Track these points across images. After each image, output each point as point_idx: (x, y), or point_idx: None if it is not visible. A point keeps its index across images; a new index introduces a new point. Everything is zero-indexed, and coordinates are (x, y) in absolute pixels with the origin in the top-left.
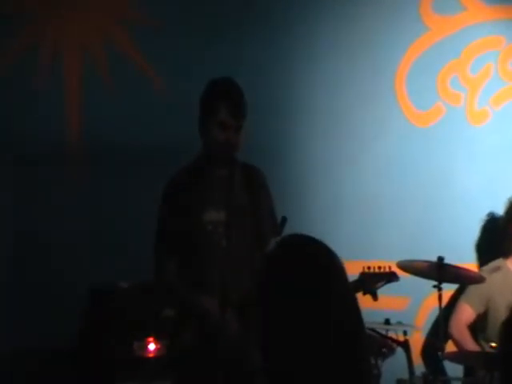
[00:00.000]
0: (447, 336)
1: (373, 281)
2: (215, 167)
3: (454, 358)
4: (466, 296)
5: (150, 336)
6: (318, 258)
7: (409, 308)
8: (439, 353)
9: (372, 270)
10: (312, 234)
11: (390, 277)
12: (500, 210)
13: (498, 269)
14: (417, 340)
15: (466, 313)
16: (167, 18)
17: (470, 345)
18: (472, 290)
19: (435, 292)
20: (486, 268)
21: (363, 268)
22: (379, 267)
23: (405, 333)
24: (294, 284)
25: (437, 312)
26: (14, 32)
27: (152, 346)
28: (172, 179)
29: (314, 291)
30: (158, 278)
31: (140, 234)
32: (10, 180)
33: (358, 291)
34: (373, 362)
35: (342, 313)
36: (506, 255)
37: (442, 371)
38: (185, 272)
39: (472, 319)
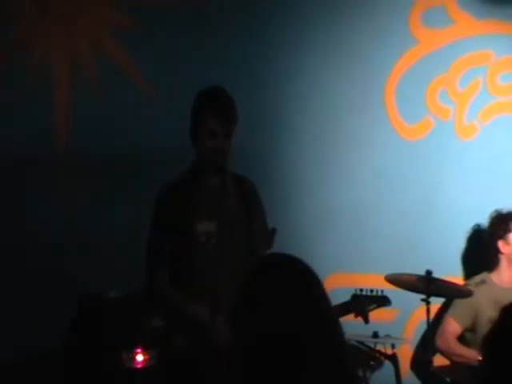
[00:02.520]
0: (435, 349)
1: (364, 303)
2: (207, 177)
3: (441, 371)
4: (452, 310)
5: (138, 347)
6: (297, 276)
7: (397, 320)
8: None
9: (364, 293)
10: (301, 247)
11: (382, 301)
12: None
13: (483, 282)
14: (405, 352)
15: (451, 326)
16: (158, 24)
17: (458, 352)
18: (458, 303)
19: (423, 304)
20: (470, 282)
21: (355, 290)
22: (371, 290)
23: (393, 346)
24: (273, 302)
25: (425, 325)
26: (0, 37)
27: (140, 357)
28: (164, 189)
29: (294, 308)
30: (150, 288)
31: (130, 243)
32: (1, 188)
33: (349, 313)
34: (361, 374)
35: (323, 329)
36: (490, 269)
37: None
38: (177, 282)
39: (458, 332)
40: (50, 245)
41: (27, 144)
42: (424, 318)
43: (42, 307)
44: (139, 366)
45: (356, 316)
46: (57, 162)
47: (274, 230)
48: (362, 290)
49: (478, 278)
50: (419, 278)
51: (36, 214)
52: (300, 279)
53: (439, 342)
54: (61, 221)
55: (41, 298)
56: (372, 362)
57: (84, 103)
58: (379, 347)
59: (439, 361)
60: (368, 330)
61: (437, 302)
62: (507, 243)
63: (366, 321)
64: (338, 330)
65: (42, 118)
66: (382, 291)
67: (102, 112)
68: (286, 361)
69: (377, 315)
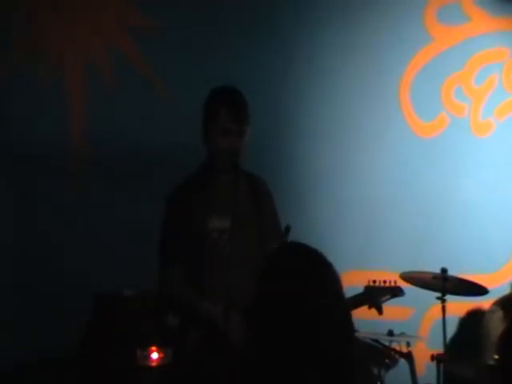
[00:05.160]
0: None
1: (378, 295)
2: (219, 174)
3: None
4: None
5: (153, 345)
6: (314, 266)
7: (412, 318)
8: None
9: (377, 284)
10: (315, 243)
11: (396, 291)
12: (503, 221)
13: None
14: (420, 351)
15: None
16: (169, 21)
17: None
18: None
19: (438, 303)
20: None
21: (368, 281)
22: (384, 281)
23: (408, 344)
24: (288, 291)
25: (440, 323)
26: (16, 33)
27: (155, 355)
28: (176, 187)
29: (308, 298)
30: (163, 286)
31: (145, 241)
32: (11, 182)
33: (363, 305)
34: (376, 373)
35: (335, 319)
36: None
37: None
38: (189, 279)
39: None
40: (65, 240)
41: (42, 134)
42: (439, 316)
43: (59, 307)
44: (154, 363)
45: (369, 308)
46: (71, 152)
47: (288, 228)
48: (374, 281)
49: None
50: (434, 276)
51: (50, 205)
52: (317, 271)
53: None
54: (75, 212)
55: (57, 297)
56: (387, 360)
57: (97, 101)
58: (394, 345)
59: None
60: (383, 328)
61: (452, 300)
62: None
63: (380, 312)
64: (346, 324)
65: (57, 109)
66: (395, 282)
67: (115, 105)
68: (295, 352)
69: (392, 313)
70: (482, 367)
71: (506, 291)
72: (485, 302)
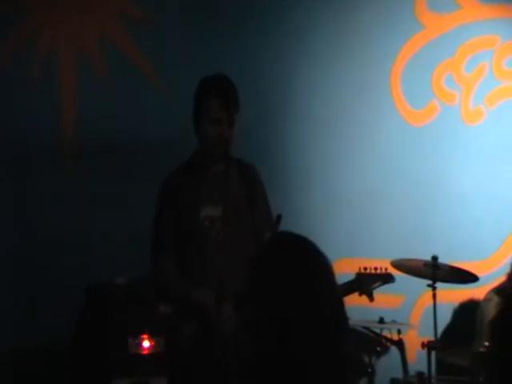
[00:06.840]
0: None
1: (369, 282)
2: (211, 163)
3: (447, 357)
4: None
5: (144, 333)
6: (307, 257)
7: (403, 306)
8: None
9: (368, 271)
10: (307, 232)
11: (386, 278)
12: (494, 209)
13: None
14: (411, 338)
15: None
16: (165, 14)
17: None
18: None
19: (429, 290)
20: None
21: (359, 268)
22: (375, 268)
23: (399, 331)
24: (282, 282)
25: (431, 310)
26: (9, 27)
27: (146, 343)
28: (169, 176)
29: (301, 289)
30: (155, 274)
31: (137, 230)
32: (7, 178)
33: (353, 292)
34: (367, 360)
35: (326, 311)
36: None
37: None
38: (182, 267)
39: None
40: (58, 232)
41: (34, 129)
42: (430, 303)
43: (50, 296)
44: (145, 352)
45: (360, 295)
46: (64, 147)
47: (279, 216)
48: (366, 268)
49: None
50: (425, 263)
51: (45, 199)
52: (306, 263)
53: None
54: (69, 206)
55: (49, 286)
56: (378, 348)
57: (90, 92)
58: (385, 333)
59: None
60: (374, 315)
61: (443, 288)
62: None
63: (371, 299)
64: (338, 314)
65: (50, 103)
66: (386, 269)
67: (109, 98)
68: (287, 342)
69: (383, 301)
70: (474, 355)
71: (498, 278)
72: (475, 290)
